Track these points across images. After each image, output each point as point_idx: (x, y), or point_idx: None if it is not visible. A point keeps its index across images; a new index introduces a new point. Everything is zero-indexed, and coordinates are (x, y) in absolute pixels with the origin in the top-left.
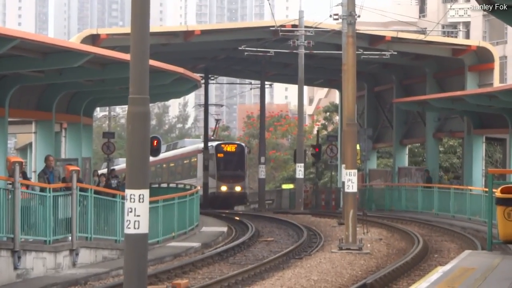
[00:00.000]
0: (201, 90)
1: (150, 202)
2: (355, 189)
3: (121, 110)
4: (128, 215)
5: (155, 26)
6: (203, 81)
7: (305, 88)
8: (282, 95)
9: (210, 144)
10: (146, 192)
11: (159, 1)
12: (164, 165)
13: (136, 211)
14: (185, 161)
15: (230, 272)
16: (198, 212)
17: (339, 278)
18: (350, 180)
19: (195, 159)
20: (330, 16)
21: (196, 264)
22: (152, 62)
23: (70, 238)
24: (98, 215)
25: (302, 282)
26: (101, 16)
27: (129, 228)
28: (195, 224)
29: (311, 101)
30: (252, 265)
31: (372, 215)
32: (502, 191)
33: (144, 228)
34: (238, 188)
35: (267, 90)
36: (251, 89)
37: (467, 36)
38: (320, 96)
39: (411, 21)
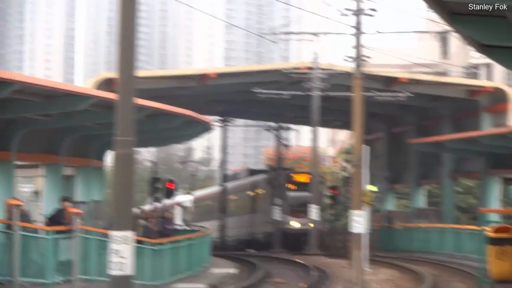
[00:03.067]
0: (228, 133)
1: (157, 244)
2: (361, 230)
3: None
4: (113, 256)
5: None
6: (222, 124)
7: (328, 130)
8: (309, 137)
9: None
10: (130, 234)
11: (186, 45)
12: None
13: (121, 253)
14: (247, 193)
15: None
16: (208, 254)
17: None
18: (356, 221)
19: (262, 191)
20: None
21: None
22: (159, 105)
23: (71, 280)
24: (101, 256)
25: None
26: None
27: (113, 269)
28: (205, 265)
29: (334, 143)
30: None
31: (387, 256)
32: (496, 231)
33: (129, 270)
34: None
35: (293, 132)
36: (269, 131)
37: (489, 78)
38: (342, 137)
39: (433, 63)
